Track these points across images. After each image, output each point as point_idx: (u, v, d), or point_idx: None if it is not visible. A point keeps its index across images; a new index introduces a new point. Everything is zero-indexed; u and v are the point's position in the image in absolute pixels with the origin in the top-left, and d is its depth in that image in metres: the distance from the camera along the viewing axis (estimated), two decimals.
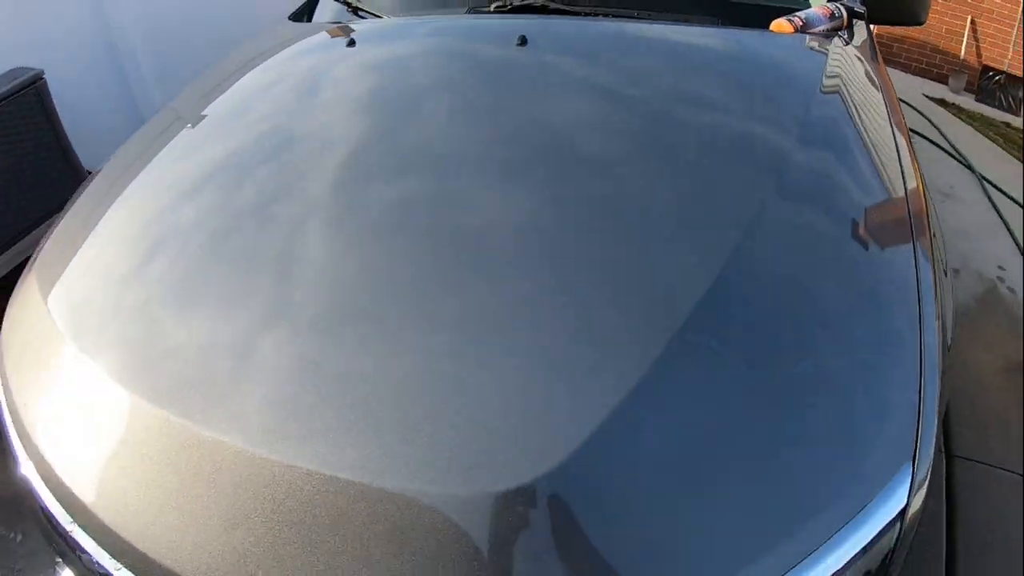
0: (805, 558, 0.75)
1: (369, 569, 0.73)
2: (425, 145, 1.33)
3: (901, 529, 0.82)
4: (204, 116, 1.65)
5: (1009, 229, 3.61)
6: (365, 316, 0.98)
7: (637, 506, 0.77)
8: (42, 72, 2.61)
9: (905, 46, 6.61)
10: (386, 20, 2.03)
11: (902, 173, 1.31)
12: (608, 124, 1.34)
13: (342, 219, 1.18)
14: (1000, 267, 3.15)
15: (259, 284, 1.07)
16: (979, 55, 6.40)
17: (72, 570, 0.96)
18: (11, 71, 2.58)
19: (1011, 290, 2.97)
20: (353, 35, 1.84)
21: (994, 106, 6.21)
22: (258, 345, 0.96)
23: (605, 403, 0.81)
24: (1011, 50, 6.20)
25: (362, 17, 2.08)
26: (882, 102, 1.55)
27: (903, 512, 0.82)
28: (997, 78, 6.26)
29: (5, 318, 1.23)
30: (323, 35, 1.99)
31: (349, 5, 2.12)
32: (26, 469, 1.00)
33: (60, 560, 0.98)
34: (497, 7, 1.88)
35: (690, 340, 0.90)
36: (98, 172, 1.61)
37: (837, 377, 0.91)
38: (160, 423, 0.89)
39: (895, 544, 0.82)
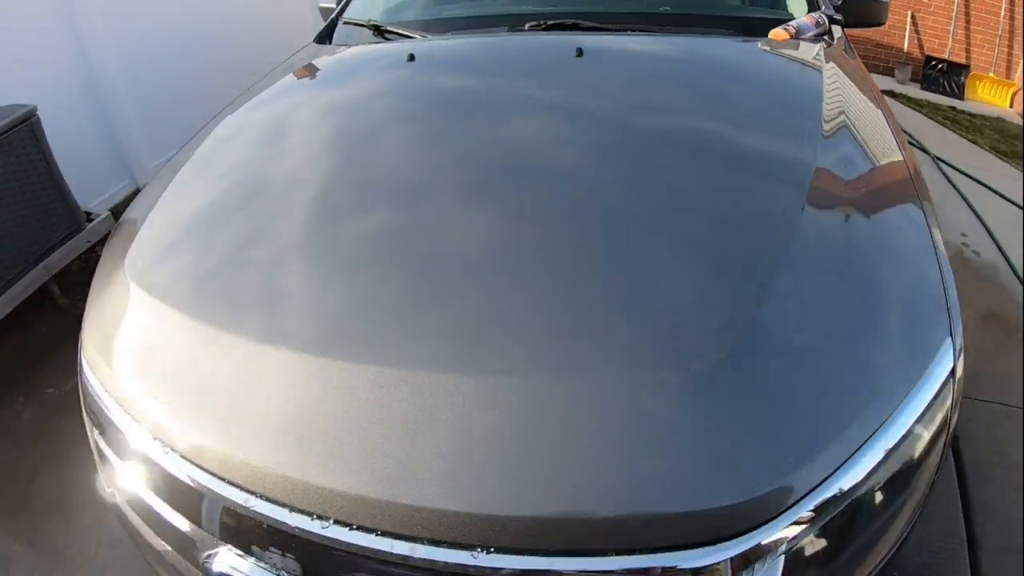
0: (889, 416, 0.93)
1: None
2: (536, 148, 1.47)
3: (954, 389, 1.02)
4: (273, 122, 1.80)
5: (967, 201, 3.85)
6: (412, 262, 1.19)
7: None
8: (35, 108, 2.63)
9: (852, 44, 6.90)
10: (434, 40, 2.08)
11: (897, 144, 1.57)
12: (670, 129, 1.53)
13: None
14: (963, 234, 3.43)
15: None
16: (921, 47, 6.74)
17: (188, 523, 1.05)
18: (5, 107, 2.57)
19: (976, 253, 3.24)
20: (412, 52, 1.94)
21: (939, 92, 6.57)
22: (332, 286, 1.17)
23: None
24: (950, 39, 6.56)
25: (388, 39, 2.18)
26: (869, 88, 1.83)
27: (952, 373, 1.02)
28: (939, 66, 6.64)
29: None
30: (375, 53, 2.11)
31: (378, 29, 2.21)
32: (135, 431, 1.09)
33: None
34: (532, 26, 2.01)
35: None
36: (160, 172, 1.74)
37: (887, 284, 1.13)
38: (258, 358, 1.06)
39: (952, 399, 1.02)
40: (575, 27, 1.98)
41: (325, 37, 2.34)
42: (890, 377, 0.97)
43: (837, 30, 2.08)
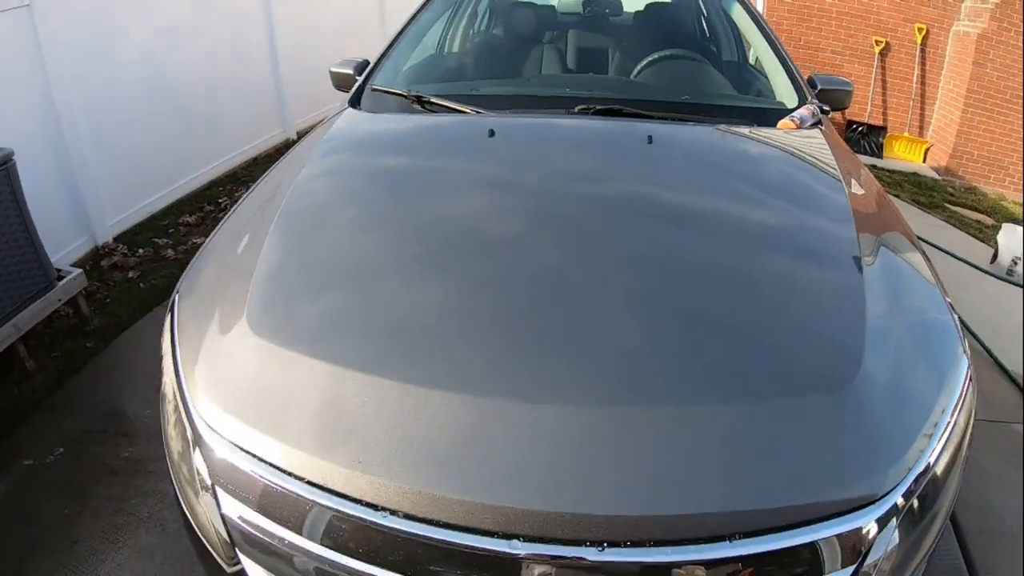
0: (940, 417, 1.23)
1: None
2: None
3: (970, 387, 1.34)
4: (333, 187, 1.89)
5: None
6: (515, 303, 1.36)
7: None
8: (12, 152, 2.51)
9: None
10: (489, 116, 2.17)
11: (883, 196, 1.96)
12: (718, 207, 1.74)
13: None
14: None
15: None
16: (843, 113, 7.29)
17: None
18: None
19: None
20: (491, 126, 2.07)
21: (860, 152, 7.09)
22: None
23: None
24: (869, 104, 7.14)
25: (426, 109, 2.27)
26: (858, 161, 2.22)
27: (968, 377, 1.35)
28: (860, 128, 7.21)
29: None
30: (431, 121, 2.22)
31: (420, 100, 2.30)
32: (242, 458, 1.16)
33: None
34: (582, 109, 2.17)
35: None
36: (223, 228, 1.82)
37: (916, 317, 1.47)
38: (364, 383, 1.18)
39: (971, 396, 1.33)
40: (614, 112, 2.16)
41: (356, 102, 2.41)
42: (934, 387, 1.27)
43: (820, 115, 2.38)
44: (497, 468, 1.04)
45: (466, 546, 0.99)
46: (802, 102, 2.34)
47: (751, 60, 3.09)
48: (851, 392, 1.16)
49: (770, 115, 2.25)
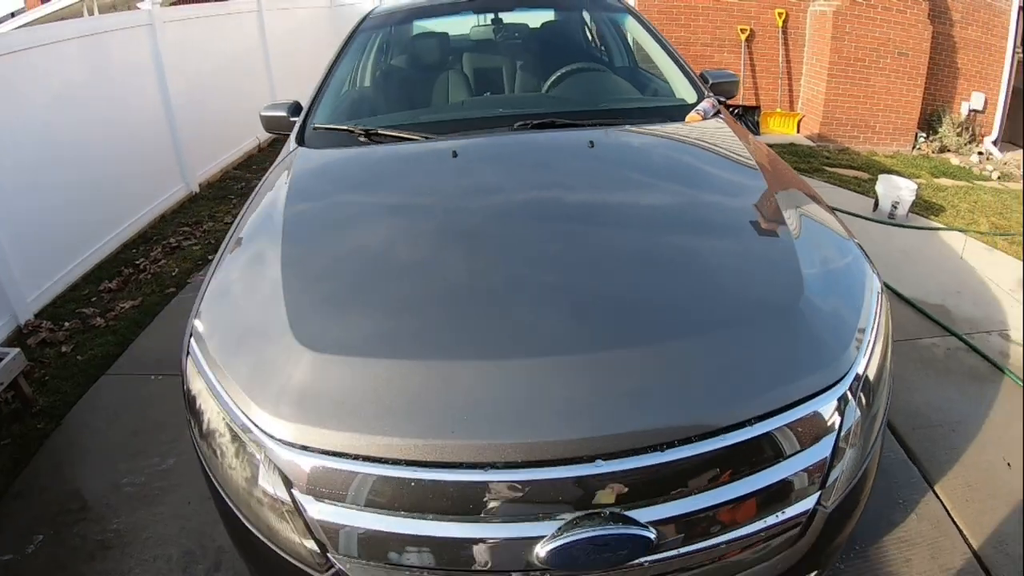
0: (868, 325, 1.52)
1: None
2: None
3: (884, 309, 1.62)
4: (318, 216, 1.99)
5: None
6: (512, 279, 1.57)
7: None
8: None
9: None
10: (437, 141, 2.32)
11: (782, 163, 2.25)
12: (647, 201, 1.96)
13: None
14: None
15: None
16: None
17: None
18: None
19: None
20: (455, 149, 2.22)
21: None
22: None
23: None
24: (742, 88, 7.70)
25: (373, 141, 2.38)
26: (755, 139, 2.47)
27: (880, 305, 1.62)
28: (736, 111, 7.74)
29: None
30: (390, 151, 2.33)
31: (367, 133, 2.40)
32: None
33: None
34: (520, 124, 2.36)
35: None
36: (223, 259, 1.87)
37: (839, 265, 1.72)
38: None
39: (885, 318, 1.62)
40: (547, 124, 2.36)
41: (302, 141, 2.51)
42: (859, 300, 1.56)
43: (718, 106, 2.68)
44: (559, 409, 1.22)
45: (563, 478, 1.17)
46: (700, 97, 2.62)
47: (645, 64, 3.37)
48: (801, 310, 1.43)
49: (677, 111, 2.52)
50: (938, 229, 4.97)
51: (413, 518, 1.21)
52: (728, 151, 2.19)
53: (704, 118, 2.45)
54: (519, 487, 1.18)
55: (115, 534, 2.28)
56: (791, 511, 1.29)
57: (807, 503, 1.30)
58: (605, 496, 1.19)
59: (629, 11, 3.40)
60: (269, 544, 1.35)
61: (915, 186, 5.02)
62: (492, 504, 1.19)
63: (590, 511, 1.18)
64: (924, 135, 7.82)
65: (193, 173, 5.99)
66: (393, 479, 1.20)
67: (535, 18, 3.81)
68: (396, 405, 1.26)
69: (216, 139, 6.55)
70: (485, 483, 1.18)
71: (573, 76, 2.89)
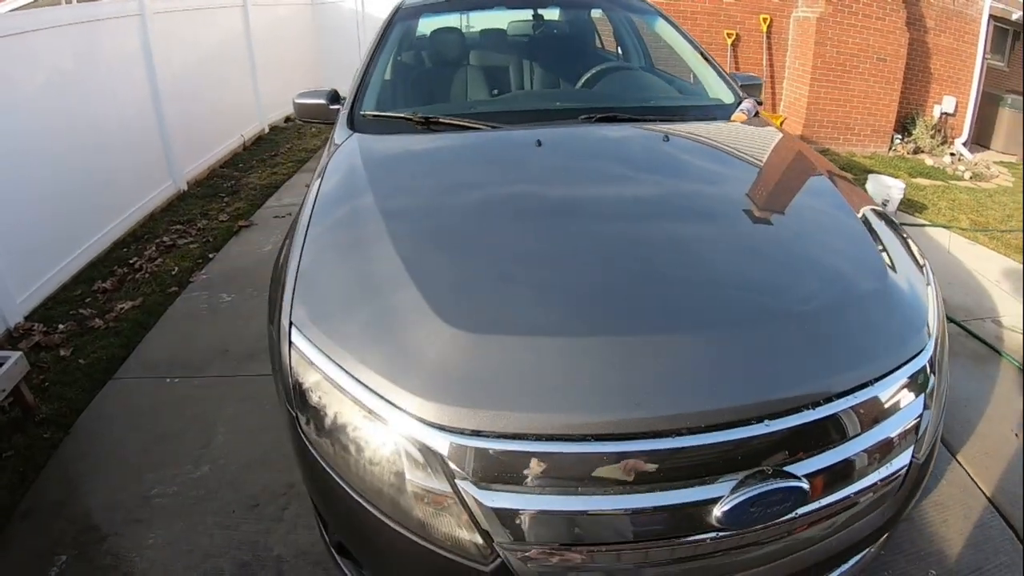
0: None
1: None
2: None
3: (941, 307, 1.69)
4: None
5: None
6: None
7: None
8: None
9: None
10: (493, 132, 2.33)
11: (834, 169, 2.29)
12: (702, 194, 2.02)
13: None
14: None
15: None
16: None
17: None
18: None
19: None
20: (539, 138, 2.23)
21: None
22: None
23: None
24: None
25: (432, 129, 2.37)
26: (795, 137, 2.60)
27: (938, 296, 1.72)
28: None
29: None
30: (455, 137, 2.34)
31: (427, 121, 2.39)
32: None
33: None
34: (585, 117, 2.40)
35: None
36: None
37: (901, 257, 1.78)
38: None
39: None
40: (611, 119, 2.40)
41: (352, 126, 2.47)
42: (922, 284, 1.67)
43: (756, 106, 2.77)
44: (731, 376, 1.29)
45: (740, 439, 1.22)
46: (737, 97, 2.72)
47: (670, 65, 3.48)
48: (892, 291, 1.56)
49: (721, 110, 2.63)
50: (925, 226, 5.15)
51: (595, 494, 1.21)
52: (784, 148, 2.32)
53: (748, 117, 2.56)
54: (700, 451, 1.22)
55: (153, 550, 2.10)
56: (897, 463, 1.40)
57: (906, 456, 1.41)
58: (770, 454, 1.25)
59: (659, 13, 3.47)
60: (421, 542, 1.28)
61: (903, 185, 5.20)
62: (674, 471, 1.22)
63: (757, 469, 1.23)
64: (900, 137, 8.05)
65: (181, 170, 5.86)
66: (577, 456, 1.20)
67: (572, 16, 3.87)
68: (575, 382, 1.25)
69: (203, 135, 6.44)
70: (669, 450, 1.21)
71: (617, 73, 3.00)
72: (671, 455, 1.21)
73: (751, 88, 2.98)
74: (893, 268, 1.65)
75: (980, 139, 9.26)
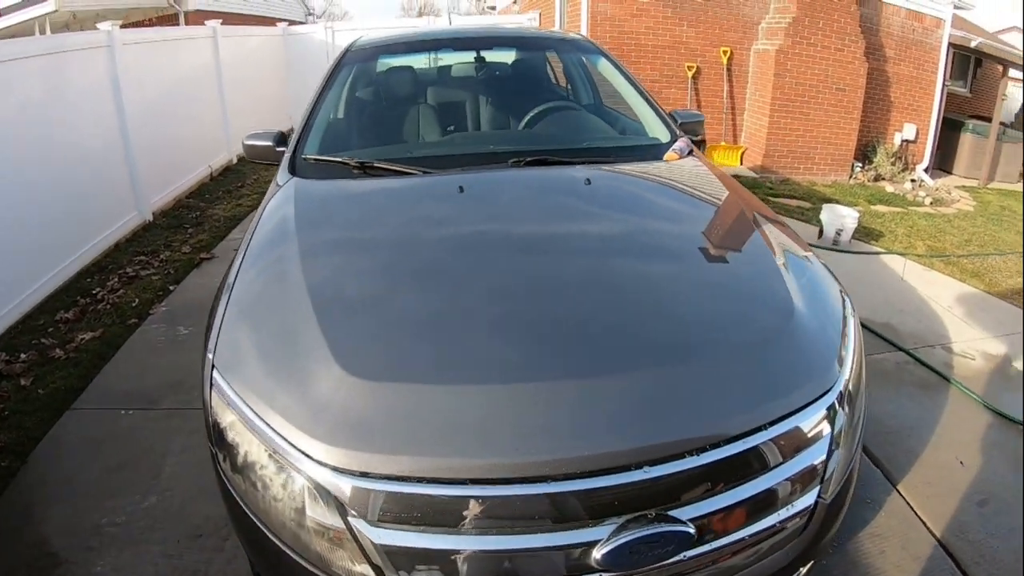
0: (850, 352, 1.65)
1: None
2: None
3: (858, 337, 1.74)
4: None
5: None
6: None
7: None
8: None
9: None
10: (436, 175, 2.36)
11: (751, 195, 2.38)
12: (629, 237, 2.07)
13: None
14: None
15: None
16: None
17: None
18: None
19: None
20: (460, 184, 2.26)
21: None
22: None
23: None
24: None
25: (368, 174, 2.40)
26: (725, 173, 2.62)
27: (855, 327, 1.76)
28: None
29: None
30: (388, 184, 2.36)
31: (363, 166, 2.43)
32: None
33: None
34: (514, 161, 2.43)
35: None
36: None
37: (817, 294, 1.82)
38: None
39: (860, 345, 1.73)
40: (540, 162, 2.44)
41: (293, 170, 2.51)
42: (837, 318, 1.72)
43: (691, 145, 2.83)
44: (610, 423, 1.32)
45: (617, 485, 1.25)
46: (674, 136, 2.78)
47: (614, 103, 3.54)
48: (797, 329, 1.59)
49: (656, 149, 2.67)
50: (879, 253, 5.27)
51: (475, 534, 1.26)
52: (710, 187, 2.36)
53: (681, 156, 2.61)
54: (577, 496, 1.26)
55: (109, 571, 2.17)
56: (799, 504, 1.41)
57: (810, 497, 1.43)
58: (651, 499, 1.28)
59: (602, 52, 3.54)
60: (319, 574, 1.35)
61: (857, 214, 5.32)
62: (554, 513, 1.26)
63: (639, 514, 1.27)
64: (860, 164, 8.26)
65: (147, 201, 5.87)
66: (457, 498, 1.25)
67: (513, 57, 3.92)
68: (454, 427, 1.31)
69: (171, 166, 6.47)
70: (546, 495, 1.25)
71: (553, 115, 3.03)
72: (547, 499, 1.25)
73: (693, 125, 3.04)
74: (803, 307, 1.67)
75: (942, 164, 9.54)
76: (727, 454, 1.31)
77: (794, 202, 6.75)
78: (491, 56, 3.99)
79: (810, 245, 5.01)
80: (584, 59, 3.84)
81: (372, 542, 1.27)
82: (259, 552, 1.48)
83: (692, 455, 1.29)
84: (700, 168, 2.52)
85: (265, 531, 1.40)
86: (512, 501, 1.26)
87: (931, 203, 7.32)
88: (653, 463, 1.27)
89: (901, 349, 3.58)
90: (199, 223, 5.96)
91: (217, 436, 1.50)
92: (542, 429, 1.30)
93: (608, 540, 1.25)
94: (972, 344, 3.71)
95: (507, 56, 3.96)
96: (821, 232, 5.42)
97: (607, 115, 3.42)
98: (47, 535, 2.34)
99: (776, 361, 1.50)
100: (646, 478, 1.26)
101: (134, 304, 4.24)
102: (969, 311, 4.20)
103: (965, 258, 5.29)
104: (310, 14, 19.45)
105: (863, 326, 3.74)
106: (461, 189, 2.21)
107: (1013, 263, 5.26)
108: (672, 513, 1.29)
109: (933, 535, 2.27)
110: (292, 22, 13.48)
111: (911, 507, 2.40)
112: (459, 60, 4.12)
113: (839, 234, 5.25)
